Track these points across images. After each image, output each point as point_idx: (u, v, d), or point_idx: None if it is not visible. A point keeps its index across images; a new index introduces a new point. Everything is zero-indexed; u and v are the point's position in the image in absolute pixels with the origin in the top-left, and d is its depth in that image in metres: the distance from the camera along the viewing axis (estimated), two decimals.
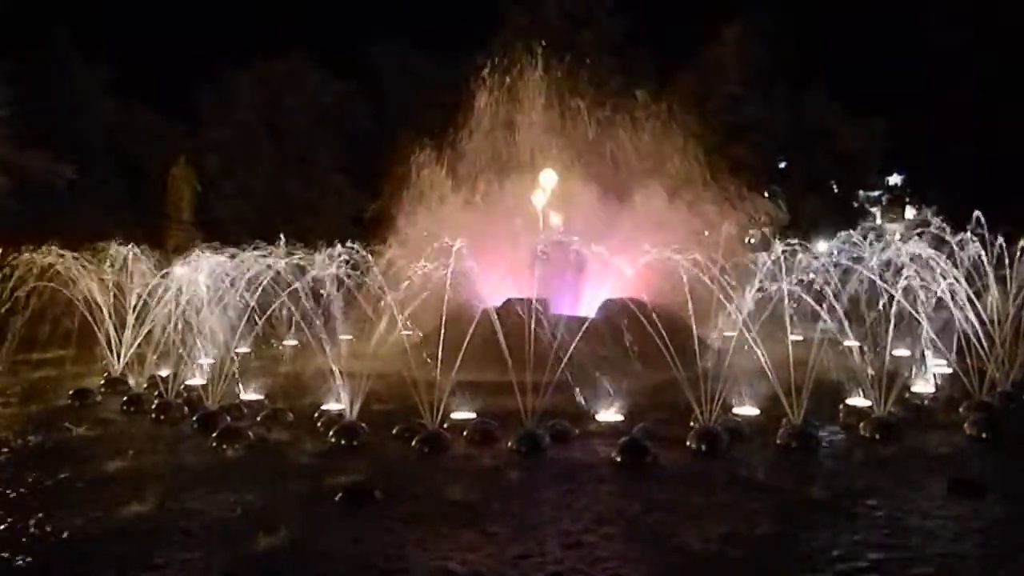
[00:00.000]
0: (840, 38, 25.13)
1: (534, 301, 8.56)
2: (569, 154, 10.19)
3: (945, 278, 6.93)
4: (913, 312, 6.59)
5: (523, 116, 10.39)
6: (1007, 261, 9.97)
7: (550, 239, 9.61)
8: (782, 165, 26.87)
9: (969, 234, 9.20)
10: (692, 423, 5.17)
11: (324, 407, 5.86)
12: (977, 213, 9.58)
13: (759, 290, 7.67)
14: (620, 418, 5.42)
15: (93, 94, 30.44)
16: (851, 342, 10.36)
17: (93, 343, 8.30)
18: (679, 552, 3.11)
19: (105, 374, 8.04)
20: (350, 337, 11.27)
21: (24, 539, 3.42)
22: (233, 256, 8.72)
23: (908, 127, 24.91)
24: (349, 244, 9.88)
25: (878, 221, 31.57)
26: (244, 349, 10.61)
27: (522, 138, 10.23)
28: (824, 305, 7.12)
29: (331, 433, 5.11)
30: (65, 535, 3.49)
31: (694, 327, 9.18)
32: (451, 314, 9.29)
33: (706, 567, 3.12)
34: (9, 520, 3.62)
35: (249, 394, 6.54)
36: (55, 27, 29.07)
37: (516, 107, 10.48)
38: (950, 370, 7.50)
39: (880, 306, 7.05)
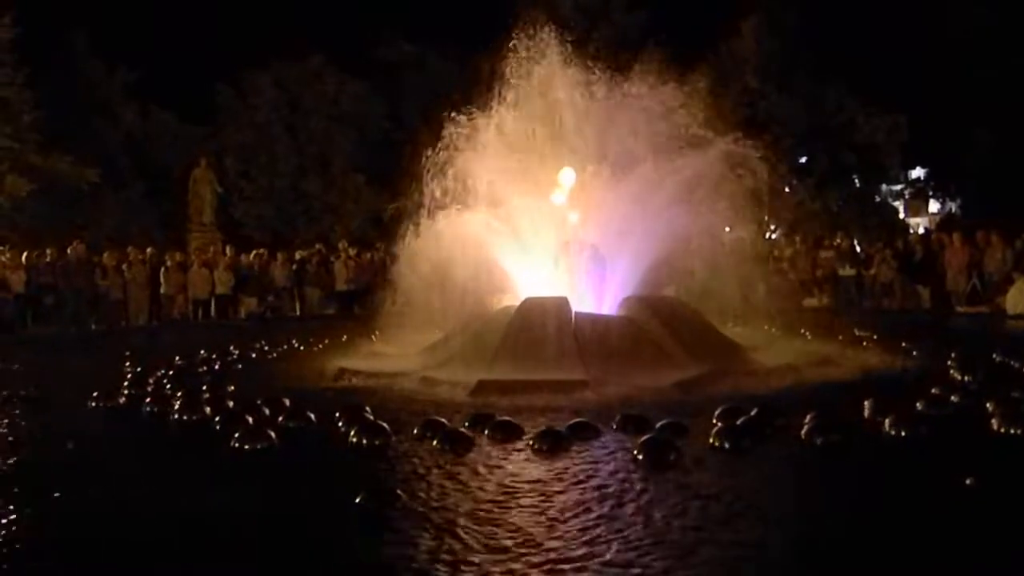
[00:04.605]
0: (859, 26, 24.80)
1: (555, 298, 8.55)
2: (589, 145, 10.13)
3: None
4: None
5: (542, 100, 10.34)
6: None
7: (569, 237, 9.58)
8: (803, 160, 26.64)
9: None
10: (715, 420, 5.12)
11: (345, 407, 5.86)
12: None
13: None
14: (644, 415, 5.38)
15: (114, 98, 30.83)
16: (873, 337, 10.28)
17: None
18: (687, 561, 3.06)
19: (129, 376, 8.12)
20: (372, 337, 11.33)
21: (32, 544, 3.43)
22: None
23: (931, 117, 24.59)
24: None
25: (901, 215, 31.24)
26: (265, 348, 10.71)
27: (542, 128, 10.18)
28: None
29: (352, 433, 5.11)
30: (72, 541, 3.50)
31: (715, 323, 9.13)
32: (472, 312, 9.32)
33: None
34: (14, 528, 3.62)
35: (270, 394, 6.55)
36: (75, 32, 29.42)
37: (535, 92, 10.42)
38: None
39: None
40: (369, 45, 31.61)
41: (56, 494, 4.11)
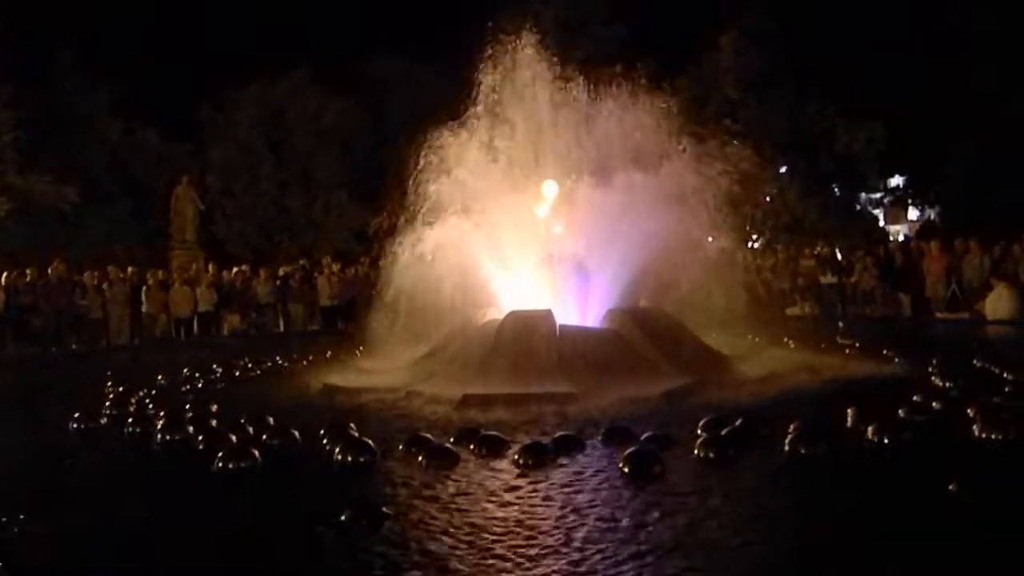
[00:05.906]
0: (838, 37, 24.95)
1: (539, 311, 8.56)
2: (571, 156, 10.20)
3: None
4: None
5: (522, 110, 10.42)
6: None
7: (553, 249, 9.60)
8: (783, 169, 26.81)
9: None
10: (700, 431, 5.14)
11: (330, 424, 5.83)
12: None
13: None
14: (629, 427, 5.39)
15: (96, 116, 30.62)
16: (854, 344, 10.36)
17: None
18: (676, 572, 3.07)
19: (111, 396, 8.04)
20: (356, 352, 11.29)
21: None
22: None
23: (909, 126, 24.73)
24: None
25: (881, 223, 31.49)
26: (249, 366, 10.65)
27: (523, 138, 10.25)
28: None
29: (337, 450, 5.08)
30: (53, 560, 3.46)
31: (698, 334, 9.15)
32: (456, 326, 9.32)
33: None
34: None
35: (253, 412, 6.50)
36: (58, 50, 29.23)
37: (515, 102, 10.50)
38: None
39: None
40: (353, 60, 31.64)
41: (36, 515, 4.06)
